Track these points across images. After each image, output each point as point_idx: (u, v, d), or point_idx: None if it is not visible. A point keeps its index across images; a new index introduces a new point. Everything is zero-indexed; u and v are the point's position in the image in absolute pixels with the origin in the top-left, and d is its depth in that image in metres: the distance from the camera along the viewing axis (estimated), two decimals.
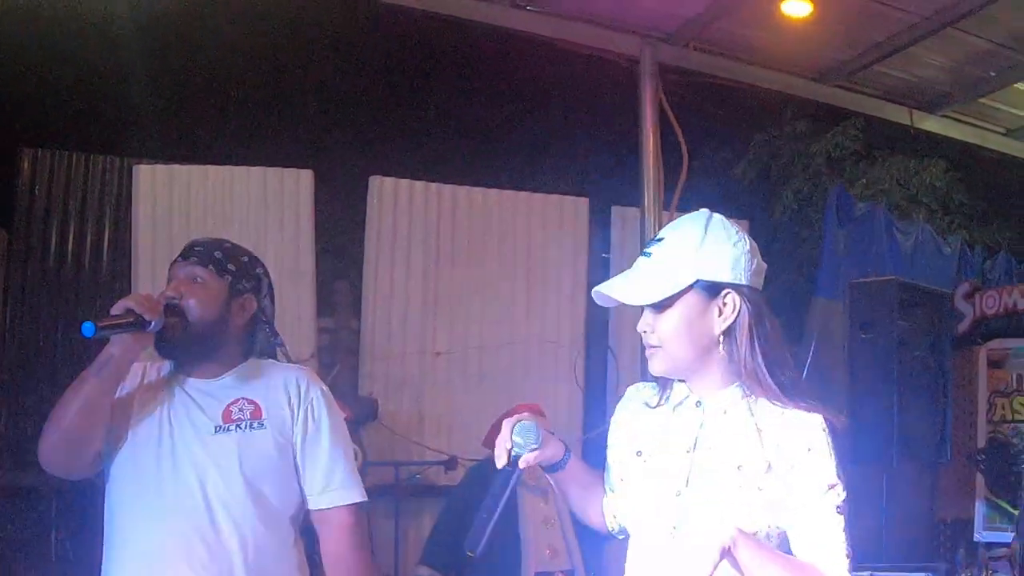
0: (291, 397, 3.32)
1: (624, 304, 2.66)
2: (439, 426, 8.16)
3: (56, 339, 8.34)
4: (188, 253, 3.31)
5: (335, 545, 3.39)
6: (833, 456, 2.53)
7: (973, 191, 13.60)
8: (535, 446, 2.69)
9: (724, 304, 2.56)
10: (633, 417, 2.80)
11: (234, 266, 3.33)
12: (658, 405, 2.73)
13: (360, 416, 7.08)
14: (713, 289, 2.56)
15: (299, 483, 3.34)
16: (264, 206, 7.91)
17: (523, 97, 10.34)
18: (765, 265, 2.65)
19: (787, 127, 13.45)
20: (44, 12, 8.28)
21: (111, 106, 9.39)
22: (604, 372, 8.74)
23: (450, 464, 7.50)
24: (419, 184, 8.43)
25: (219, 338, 3.29)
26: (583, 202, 8.92)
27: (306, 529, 3.49)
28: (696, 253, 2.56)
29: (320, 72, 10.06)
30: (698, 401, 2.64)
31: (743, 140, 13.48)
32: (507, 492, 2.65)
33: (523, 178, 9.05)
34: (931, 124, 9.19)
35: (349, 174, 8.57)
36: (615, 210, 8.97)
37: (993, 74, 8.38)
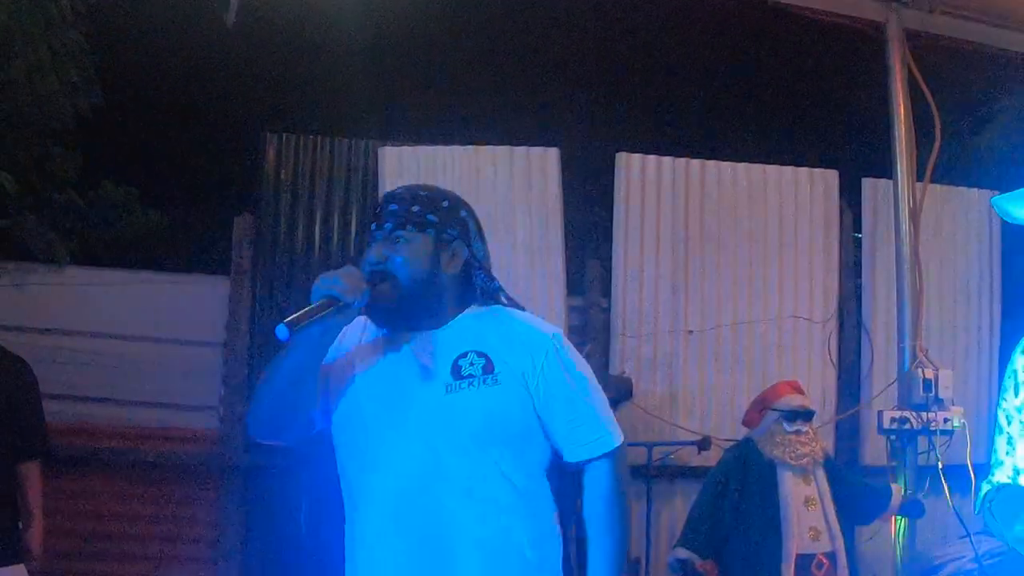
0: (527, 346, 3.11)
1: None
2: (692, 405, 8.07)
3: None
4: (382, 220, 3.13)
5: (590, 499, 3.17)
6: None
7: None
8: None
9: None
10: None
11: (435, 216, 3.12)
12: None
13: (615, 396, 7.00)
14: None
15: (544, 437, 3.13)
16: (511, 185, 7.96)
17: (768, 67, 10.16)
18: None
19: None
20: None
21: (353, 89, 9.52)
22: (858, 350, 8.49)
23: (703, 444, 7.29)
24: (666, 160, 8.34)
25: (434, 293, 3.11)
26: (832, 174, 8.67)
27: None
28: None
29: (564, 49, 10.05)
30: None
31: (992, 106, 12.97)
32: None
33: (771, 151, 8.84)
34: None
35: (595, 151, 8.51)
36: (866, 182, 8.66)
37: None
